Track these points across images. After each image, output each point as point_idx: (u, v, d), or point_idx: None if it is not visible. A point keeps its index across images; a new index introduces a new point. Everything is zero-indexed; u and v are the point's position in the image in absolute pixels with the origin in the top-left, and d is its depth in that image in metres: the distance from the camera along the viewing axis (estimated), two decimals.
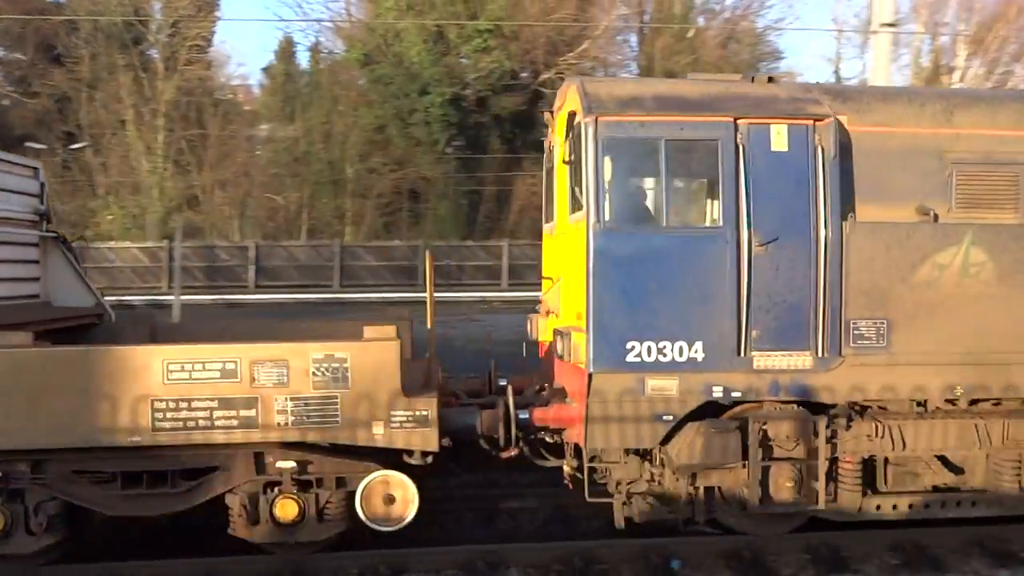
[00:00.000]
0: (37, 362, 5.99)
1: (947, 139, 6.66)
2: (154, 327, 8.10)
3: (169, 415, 5.98)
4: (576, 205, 6.86)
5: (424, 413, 6.23)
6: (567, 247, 7.10)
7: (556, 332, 6.90)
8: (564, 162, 6.85)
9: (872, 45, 11.30)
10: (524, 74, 35.22)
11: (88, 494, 6.29)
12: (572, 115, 6.64)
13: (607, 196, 6.27)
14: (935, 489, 6.91)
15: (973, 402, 6.74)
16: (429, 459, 6.41)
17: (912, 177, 6.53)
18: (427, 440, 6.25)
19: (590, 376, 6.25)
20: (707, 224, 6.63)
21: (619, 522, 6.82)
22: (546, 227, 8.53)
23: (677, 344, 6.28)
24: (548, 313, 7.55)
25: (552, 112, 7.92)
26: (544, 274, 8.52)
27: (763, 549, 6.67)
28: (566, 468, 7.40)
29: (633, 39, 38.96)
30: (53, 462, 6.17)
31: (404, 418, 6.20)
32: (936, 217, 6.46)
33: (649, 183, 6.72)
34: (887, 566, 6.55)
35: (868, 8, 11.33)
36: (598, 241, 6.23)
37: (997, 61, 33.59)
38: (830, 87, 7.42)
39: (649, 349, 6.27)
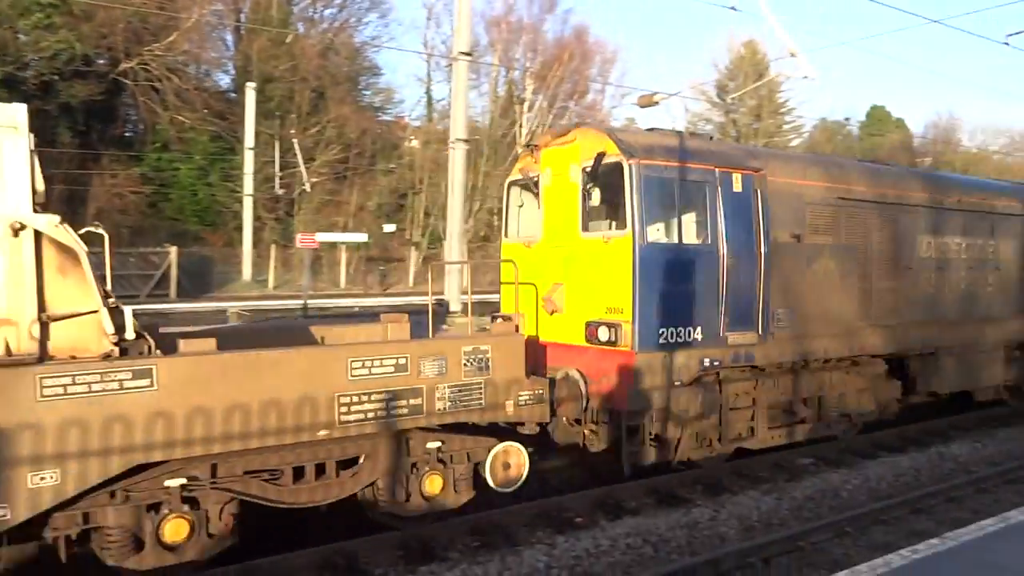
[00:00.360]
0: (234, 366, 6.01)
1: (804, 187, 9.76)
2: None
3: (353, 408, 6.53)
4: (594, 223, 8.90)
5: (541, 392, 7.75)
6: (581, 257, 8.82)
7: (593, 324, 8.47)
8: (586, 189, 8.52)
9: (453, 71, 11.82)
10: (101, 61, 30.90)
11: (264, 491, 6.48)
12: (602, 155, 8.35)
13: (643, 220, 8.21)
14: (799, 421, 9.95)
15: (827, 360, 10.04)
16: (538, 428, 7.95)
17: (789, 212, 9.47)
18: (543, 413, 7.80)
19: (636, 356, 8.13)
20: (704, 242, 8.69)
21: (627, 470, 8.63)
22: (509, 239, 10.15)
23: (687, 328, 8.49)
24: (553, 312, 9.03)
25: (534, 147, 9.74)
26: (504, 279, 9.97)
27: (355, 554, 6.79)
28: (586, 431, 8.80)
29: (229, 37, 37.46)
30: (226, 464, 6.27)
31: (527, 397, 7.63)
32: (800, 239, 9.53)
33: (669, 210, 8.69)
34: (469, 548, 7.04)
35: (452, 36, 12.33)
36: (642, 254, 8.18)
37: (556, 97, 40.86)
38: (746, 148, 10.41)
39: (672, 333, 8.37)
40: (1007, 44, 10.58)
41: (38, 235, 5.38)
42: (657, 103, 14.81)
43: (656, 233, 8.60)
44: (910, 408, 11.76)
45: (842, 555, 7.03)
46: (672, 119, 54.19)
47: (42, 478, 5.27)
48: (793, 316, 9.41)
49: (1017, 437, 11.54)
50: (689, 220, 8.86)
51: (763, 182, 9.12)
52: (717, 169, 8.80)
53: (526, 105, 40.20)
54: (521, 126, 39.61)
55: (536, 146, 9.67)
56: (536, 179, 9.53)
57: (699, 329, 8.55)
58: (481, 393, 7.26)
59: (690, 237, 8.82)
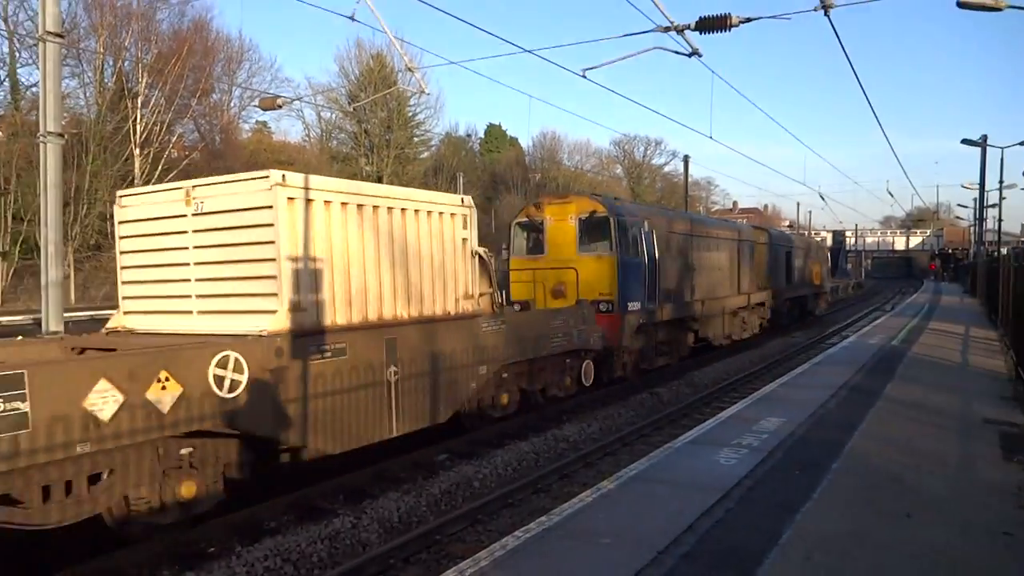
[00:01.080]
0: (521, 319, 12.45)
1: (662, 227, 17.25)
2: None
3: (551, 341, 12.66)
4: (587, 247, 15.28)
5: (602, 334, 14.20)
6: (580, 266, 15.12)
7: (596, 301, 14.69)
8: (581, 229, 15.37)
9: (40, 53, 10.86)
10: None
11: (520, 381, 12.44)
12: (595, 212, 15.17)
13: (620, 245, 15.00)
14: (665, 353, 17.73)
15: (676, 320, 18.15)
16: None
17: (661, 241, 16.73)
18: (600, 344, 14.21)
19: (621, 317, 14.88)
20: (636, 256, 15.67)
21: (610, 377, 15.27)
22: (515, 256, 16.46)
23: (635, 303, 15.35)
24: (559, 296, 15.11)
25: (538, 203, 16.41)
26: (516, 279, 16.11)
27: None
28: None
29: None
30: (509, 366, 11.85)
31: (598, 335, 14.05)
32: (663, 254, 16.71)
33: (625, 240, 15.34)
34: None
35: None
36: (620, 264, 14.98)
37: (177, 93, 37.59)
38: (645, 206, 20.04)
39: (631, 305, 15.20)
40: (584, 76, 12.20)
41: (478, 255, 10.90)
42: (280, 107, 15.08)
43: (625, 251, 15.18)
44: (528, 402, 13.08)
45: (475, 541, 7.43)
46: (306, 127, 53.56)
47: (482, 369, 10.82)
48: (667, 295, 16.97)
49: (612, 416, 13.42)
50: (632, 245, 15.56)
51: (653, 224, 16.49)
52: (640, 218, 16.08)
53: (140, 100, 36.35)
54: (136, 122, 35.69)
55: (540, 203, 16.27)
56: (540, 222, 15.91)
57: (639, 303, 15.51)
58: (586, 334, 13.67)
59: (633, 255, 15.54)
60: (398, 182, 50.97)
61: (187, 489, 7.32)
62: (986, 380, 12.83)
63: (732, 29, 9.32)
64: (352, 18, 12.07)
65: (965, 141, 35.34)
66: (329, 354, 8.24)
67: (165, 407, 6.69)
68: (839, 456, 7.43)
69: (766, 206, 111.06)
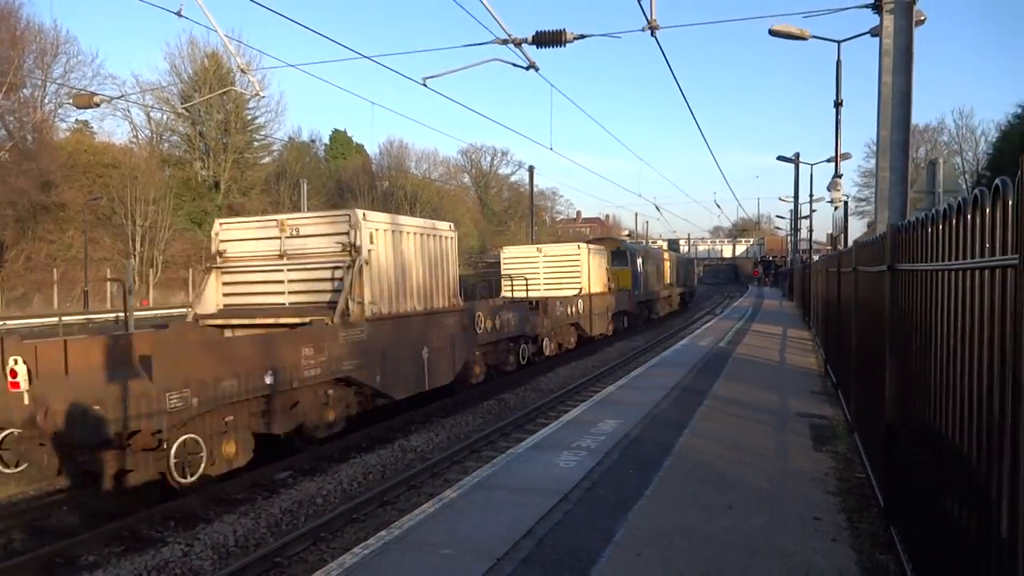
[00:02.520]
0: (616, 294, 29.59)
1: (641, 252, 36.01)
2: None
3: (621, 303, 30.12)
4: (614, 265, 30.15)
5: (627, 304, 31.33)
6: (616, 273, 30.01)
7: (624, 289, 30.79)
8: (613, 256, 30.68)
9: None
10: None
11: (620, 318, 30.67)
12: (619, 247, 32.80)
13: (631, 264, 32.49)
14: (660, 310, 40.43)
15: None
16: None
17: (643, 259, 35.56)
18: (627, 307, 31.80)
19: (632, 297, 31.76)
20: (636, 269, 33.06)
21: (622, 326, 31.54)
22: None
23: (635, 291, 32.49)
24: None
25: (588, 241, 30.48)
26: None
27: None
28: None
29: None
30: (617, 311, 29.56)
31: (627, 304, 31.16)
32: (642, 267, 35.30)
33: (633, 261, 33.20)
34: None
35: None
36: (632, 273, 32.34)
37: None
38: (639, 245, 40.70)
39: (635, 292, 32.40)
40: (425, 85, 12.24)
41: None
42: (98, 104, 14.07)
43: (638, 269, 33.31)
44: (378, 411, 12.87)
45: (318, 560, 7.23)
46: (133, 128, 50.03)
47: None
48: (642, 288, 33.87)
49: (460, 424, 13.49)
50: (632, 264, 32.27)
51: (641, 254, 34.56)
52: (636, 251, 34.12)
53: None
54: None
55: (589, 242, 29.87)
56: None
57: (637, 291, 32.37)
58: (625, 303, 30.18)
59: (634, 269, 32.28)
60: (236, 187, 48.76)
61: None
62: (800, 376, 14.00)
63: (567, 44, 9.65)
64: (179, 14, 11.40)
65: (780, 158, 38.51)
66: (591, 299, 24.95)
67: (575, 312, 23.57)
68: (670, 454, 7.84)
69: (607, 216, 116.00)
